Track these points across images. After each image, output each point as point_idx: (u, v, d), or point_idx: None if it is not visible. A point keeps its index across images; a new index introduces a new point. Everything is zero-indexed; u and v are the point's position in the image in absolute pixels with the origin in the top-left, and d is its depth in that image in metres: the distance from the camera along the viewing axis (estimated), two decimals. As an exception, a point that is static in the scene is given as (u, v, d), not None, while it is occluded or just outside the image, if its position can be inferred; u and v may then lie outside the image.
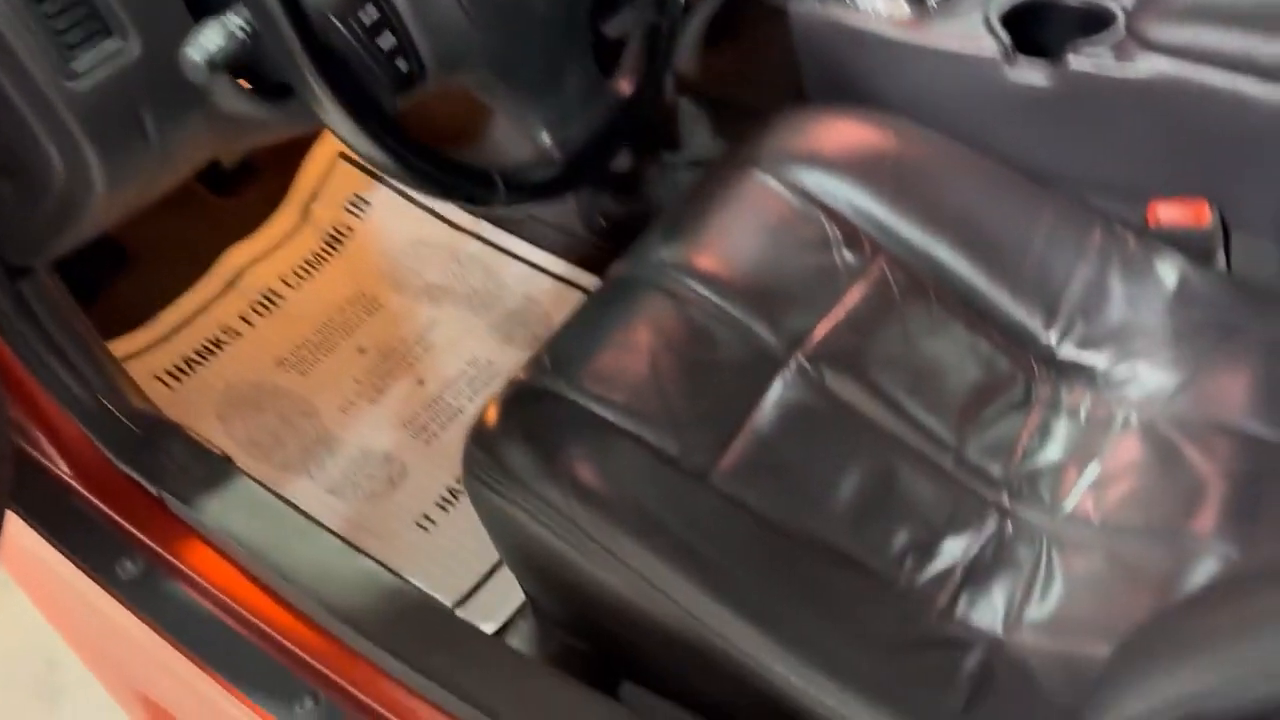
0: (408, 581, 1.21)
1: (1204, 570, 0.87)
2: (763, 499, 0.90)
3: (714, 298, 1.01)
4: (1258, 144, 1.02)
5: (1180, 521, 0.91)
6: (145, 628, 0.96)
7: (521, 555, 0.97)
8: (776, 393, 0.98)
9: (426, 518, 1.28)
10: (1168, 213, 1.05)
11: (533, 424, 0.91)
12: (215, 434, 1.34)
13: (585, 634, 0.97)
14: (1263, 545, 0.81)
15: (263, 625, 0.94)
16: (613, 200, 1.46)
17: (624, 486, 0.88)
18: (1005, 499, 0.98)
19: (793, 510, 0.90)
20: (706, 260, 1.04)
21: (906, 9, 1.13)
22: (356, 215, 1.57)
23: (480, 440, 0.92)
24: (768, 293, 1.03)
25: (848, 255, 1.06)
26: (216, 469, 0.98)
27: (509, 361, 1.41)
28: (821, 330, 1.02)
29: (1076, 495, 0.97)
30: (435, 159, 0.84)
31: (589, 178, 1.16)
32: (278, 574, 0.93)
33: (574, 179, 0.98)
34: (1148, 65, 1.03)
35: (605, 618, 0.89)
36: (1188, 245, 1.04)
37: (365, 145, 0.80)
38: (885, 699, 0.79)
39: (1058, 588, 0.90)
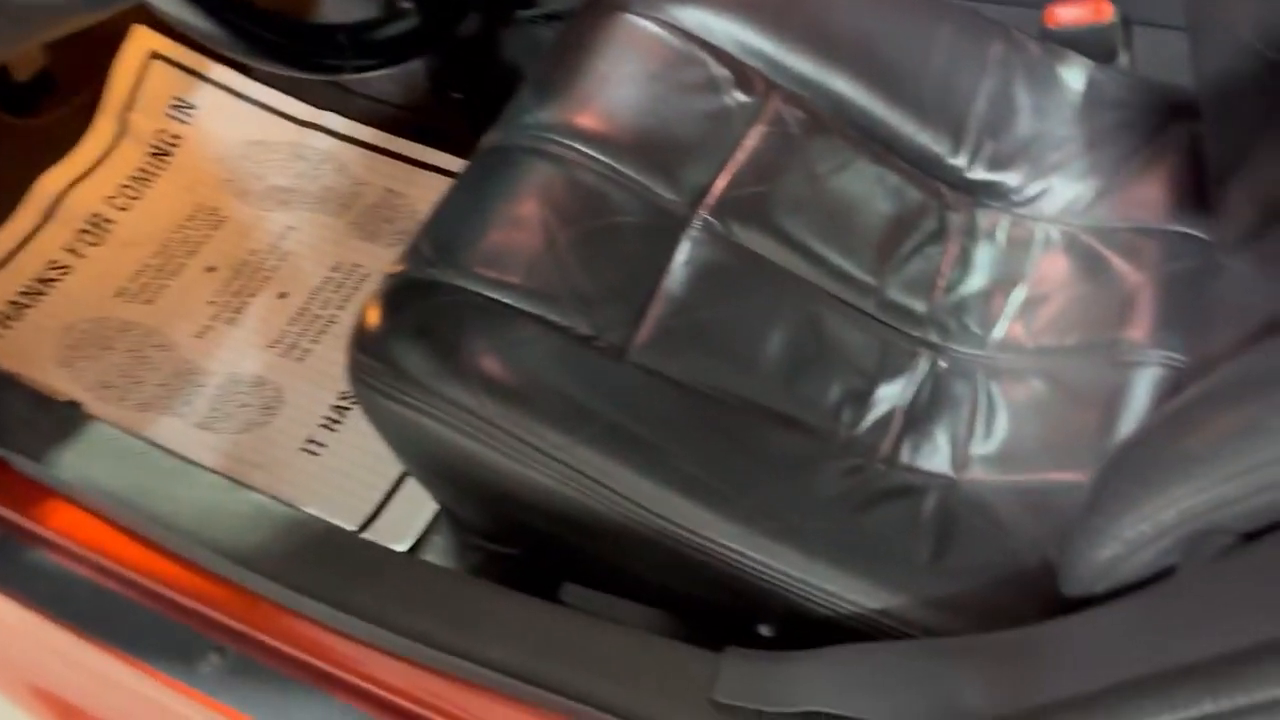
0: (303, 511, 1.12)
1: (1148, 378, 0.84)
2: (688, 368, 0.83)
3: (603, 158, 0.92)
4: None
5: (1115, 332, 0.87)
6: (14, 606, 0.85)
7: (431, 464, 0.88)
8: (685, 253, 0.90)
9: (313, 441, 1.18)
10: (1067, 12, 0.99)
11: (424, 319, 0.82)
12: (60, 381, 1.19)
13: (513, 539, 0.90)
14: (1206, 341, 0.77)
15: (148, 582, 0.83)
16: (467, 70, 1.34)
17: (538, 375, 0.79)
18: (934, 336, 0.93)
19: (721, 376, 0.83)
20: (587, 118, 0.95)
21: None
22: (182, 121, 1.40)
23: (365, 345, 0.82)
24: (660, 146, 0.94)
25: (739, 96, 0.98)
26: (65, 418, 0.86)
27: (377, 262, 1.29)
28: (722, 181, 0.94)
29: (1006, 322, 0.93)
30: (270, 23, 0.72)
31: (440, 37, 1.03)
32: (156, 523, 0.82)
33: (425, 36, 0.86)
34: None
35: (534, 518, 0.82)
36: (1091, 46, 0.99)
37: (187, 12, 0.67)
38: (851, 560, 0.74)
39: (1001, 420, 0.86)
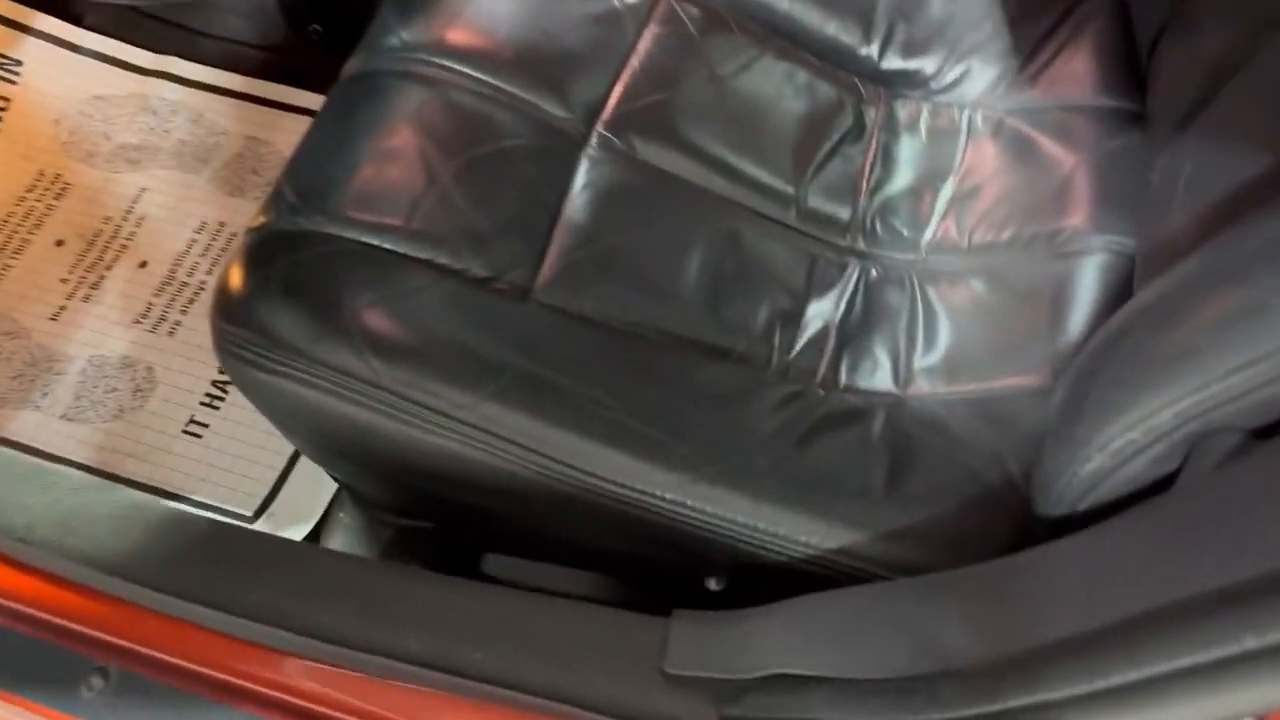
0: (186, 502, 1.02)
1: (1094, 266, 0.78)
2: (601, 304, 0.74)
3: (482, 75, 0.82)
4: None
5: (1055, 221, 0.81)
6: None
7: (321, 439, 0.78)
8: (584, 176, 0.81)
9: (195, 422, 1.06)
10: None
11: (294, 274, 0.71)
12: (-104, 385, 1.06)
13: (424, 511, 0.81)
14: (1158, 223, 0.71)
15: (12, 604, 0.73)
16: (324, -1, 1.21)
17: (431, 327, 0.70)
18: (861, 243, 0.85)
19: (638, 308, 0.75)
20: (460, 32, 0.84)
21: None
22: (9, 80, 1.25)
23: (229, 312, 0.71)
24: (544, 58, 0.84)
25: (626, -4, 0.88)
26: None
27: (246, 218, 1.17)
28: (618, 92, 0.85)
29: (936, 220, 0.86)
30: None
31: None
32: (11, 536, 0.71)
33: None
34: None
35: (444, 488, 0.73)
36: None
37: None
38: (800, 498, 0.67)
39: (943, 327, 0.79)
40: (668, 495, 0.66)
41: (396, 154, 0.77)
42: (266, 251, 0.73)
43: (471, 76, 0.82)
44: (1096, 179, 0.81)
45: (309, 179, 0.76)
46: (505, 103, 0.82)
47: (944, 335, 0.78)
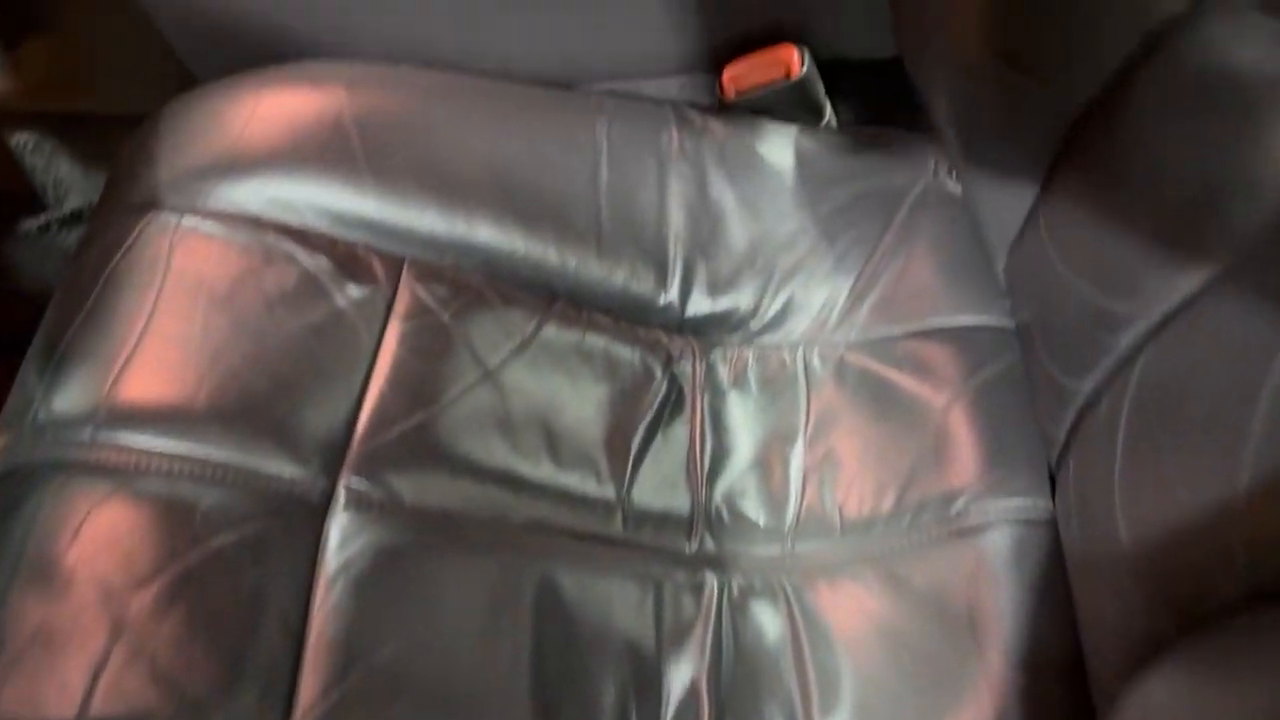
0: None
1: (1003, 547, 0.62)
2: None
3: (175, 447, 0.60)
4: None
5: (939, 483, 0.65)
6: None
7: None
8: (335, 560, 0.60)
9: None
10: (745, 74, 0.76)
11: None
12: None
13: None
14: (1075, 479, 0.56)
15: None
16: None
17: None
18: (710, 542, 0.68)
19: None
20: (135, 386, 0.62)
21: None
22: None
23: None
24: (257, 400, 0.63)
25: (353, 291, 0.68)
26: None
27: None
28: (364, 422, 0.65)
29: (795, 497, 0.69)
30: None
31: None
32: None
33: None
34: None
35: None
36: (788, 107, 0.77)
37: None
38: None
39: (845, 673, 0.61)
40: None
41: (59, 601, 0.55)
42: None
43: (159, 454, 0.60)
44: (977, 424, 0.66)
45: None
46: (212, 478, 0.60)
47: (847, 685, 0.60)
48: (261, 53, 0.78)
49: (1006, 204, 0.63)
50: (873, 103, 0.82)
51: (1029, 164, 0.59)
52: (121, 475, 0.59)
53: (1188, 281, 0.48)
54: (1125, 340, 0.50)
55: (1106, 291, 0.52)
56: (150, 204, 0.70)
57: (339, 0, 0.77)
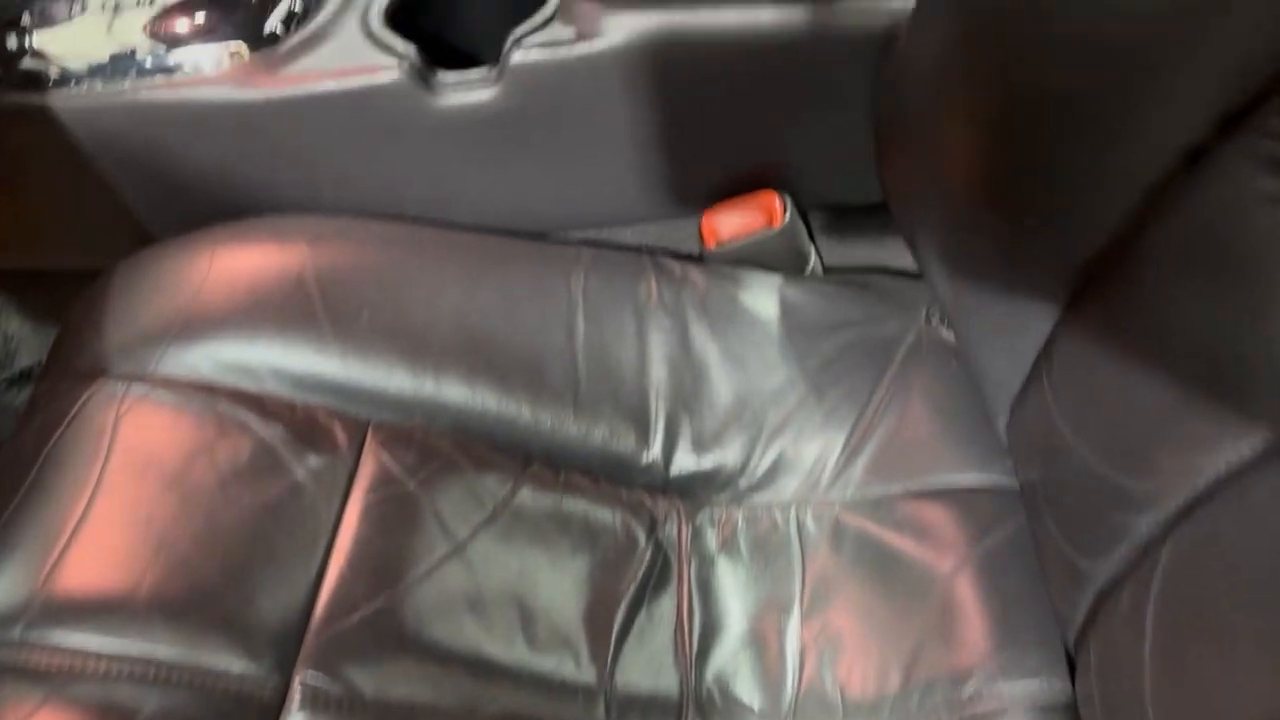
0: None
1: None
2: None
3: (114, 645, 0.55)
4: (793, 82, 0.71)
5: (947, 660, 0.60)
6: None
7: None
8: (288, 769, 0.54)
9: None
10: (727, 223, 0.73)
11: None
12: None
13: None
14: (1097, 656, 0.51)
15: None
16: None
17: None
18: (703, 731, 0.62)
19: None
20: (74, 578, 0.58)
21: (246, 54, 0.71)
22: None
23: None
24: (204, 589, 0.58)
25: (312, 460, 0.64)
26: None
27: None
28: (321, 608, 0.60)
29: (792, 674, 0.63)
30: None
31: None
32: None
33: None
34: (621, 26, 0.69)
35: None
36: (769, 255, 0.73)
37: None
38: None
39: None
40: None
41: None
42: None
43: (96, 654, 0.55)
44: (985, 595, 0.61)
45: None
46: (155, 679, 0.55)
47: None
48: (220, 206, 0.75)
49: (1006, 361, 0.59)
50: (858, 243, 0.79)
51: (1030, 320, 0.55)
52: (54, 680, 0.54)
53: (1215, 462, 0.43)
54: (1145, 525, 0.46)
55: (1121, 467, 0.48)
56: (97, 371, 0.66)
57: (301, 152, 0.74)
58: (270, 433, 0.64)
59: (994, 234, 0.58)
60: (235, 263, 0.69)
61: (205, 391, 0.65)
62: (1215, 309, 0.45)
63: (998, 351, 0.61)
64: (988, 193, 0.57)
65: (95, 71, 0.72)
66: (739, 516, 0.69)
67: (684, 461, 0.69)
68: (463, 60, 0.75)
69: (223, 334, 0.67)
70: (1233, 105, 0.43)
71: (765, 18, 0.66)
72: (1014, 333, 0.57)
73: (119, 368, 0.66)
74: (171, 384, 0.65)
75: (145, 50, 0.73)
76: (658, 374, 0.70)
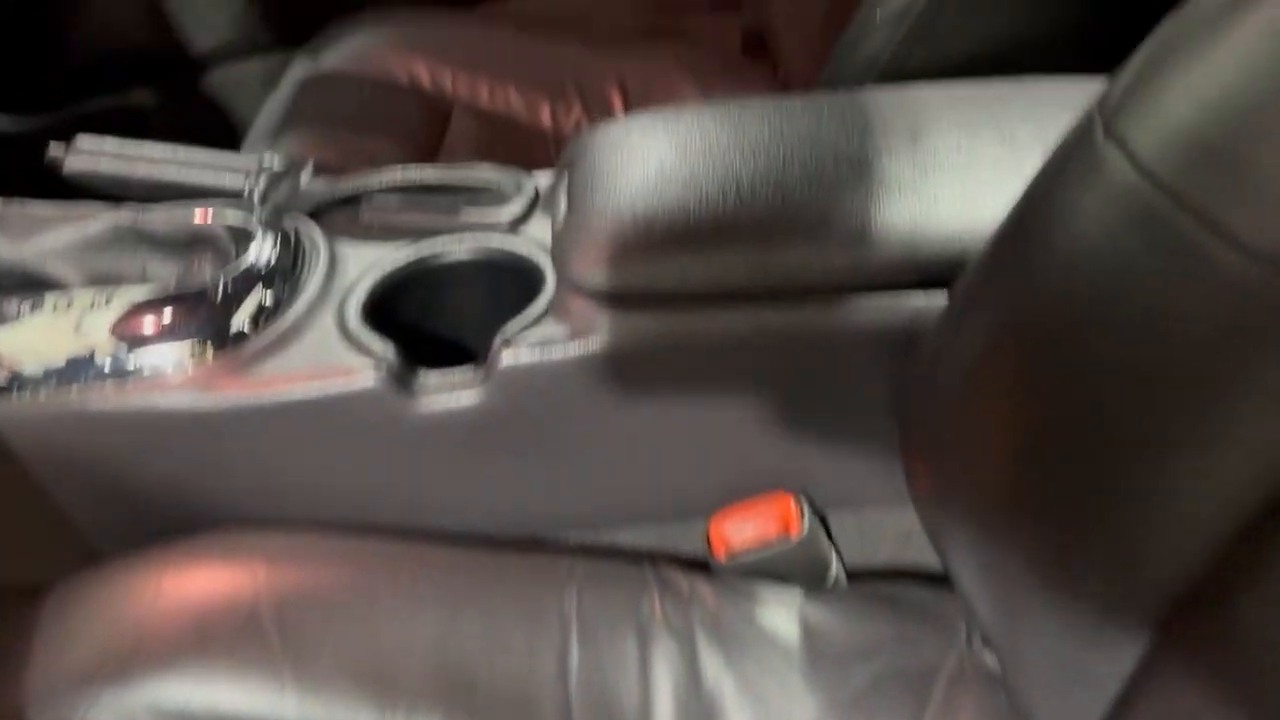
0: None
1: None
2: None
3: None
4: (806, 383, 0.66)
5: None
6: None
7: None
8: None
9: None
10: (739, 533, 0.66)
11: None
12: None
13: None
14: None
15: None
16: None
17: None
18: None
19: None
20: None
21: (210, 355, 0.65)
22: None
23: None
24: None
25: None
26: None
27: None
28: None
29: None
30: None
31: None
32: None
33: None
34: (619, 326, 0.64)
35: None
36: (789, 568, 0.66)
37: None
38: None
39: None
40: None
41: None
42: None
43: None
44: None
45: None
46: None
47: None
48: (175, 517, 0.68)
49: (1061, 703, 0.51)
50: (882, 541, 0.72)
51: (1098, 666, 0.48)
52: None
53: None
54: None
55: None
56: (13, 718, 0.57)
57: (266, 460, 0.67)
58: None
59: (1034, 547, 0.51)
60: (183, 588, 0.61)
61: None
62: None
63: (1056, 697, 0.52)
64: (1025, 496, 0.50)
65: (49, 376, 0.66)
66: None
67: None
68: (444, 349, 0.70)
69: (166, 674, 0.58)
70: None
71: (775, 319, 0.61)
72: (1075, 679, 0.49)
73: (39, 716, 0.56)
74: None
75: (106, 352, 0.67)
76: (663, 711, 0.60)
